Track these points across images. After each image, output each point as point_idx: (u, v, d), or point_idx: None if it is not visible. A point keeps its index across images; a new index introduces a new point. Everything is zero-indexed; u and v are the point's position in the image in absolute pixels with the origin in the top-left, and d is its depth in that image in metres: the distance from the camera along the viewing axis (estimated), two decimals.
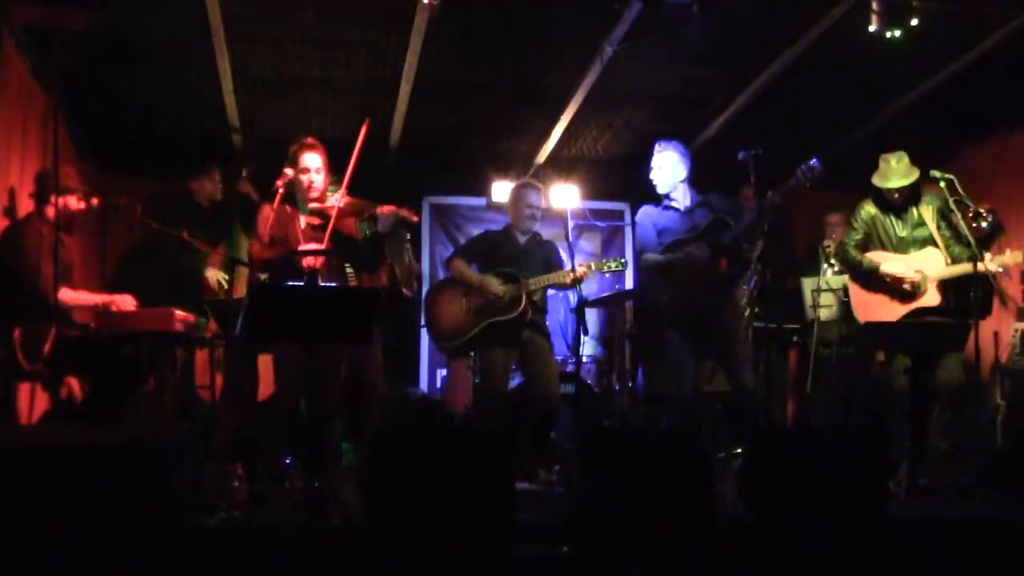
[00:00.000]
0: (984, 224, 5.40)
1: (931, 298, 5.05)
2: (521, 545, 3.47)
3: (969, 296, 5.01)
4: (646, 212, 5.24)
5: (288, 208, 4.62)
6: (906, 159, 5.15)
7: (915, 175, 5.13)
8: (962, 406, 5.15)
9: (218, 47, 5.46)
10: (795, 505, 3.48)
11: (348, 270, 4.75)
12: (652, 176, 5.19)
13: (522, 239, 5.55)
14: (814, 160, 4.67)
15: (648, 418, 6.14)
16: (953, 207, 5.00)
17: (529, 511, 4.16)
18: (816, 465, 3.55)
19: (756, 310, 5.76)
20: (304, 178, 4.62)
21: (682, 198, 5.15)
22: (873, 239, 5.27)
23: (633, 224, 5.40)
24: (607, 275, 5.75)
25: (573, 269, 5.20)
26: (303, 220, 4.63)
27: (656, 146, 5.21)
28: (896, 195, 5.17)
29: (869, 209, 5.27)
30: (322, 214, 4.59)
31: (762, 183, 4.79)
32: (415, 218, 4.73)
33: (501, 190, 7.49)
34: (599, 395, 6.60)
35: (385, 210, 4.58)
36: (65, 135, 5.67)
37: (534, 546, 3.52)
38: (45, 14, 4.59)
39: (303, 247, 4.51)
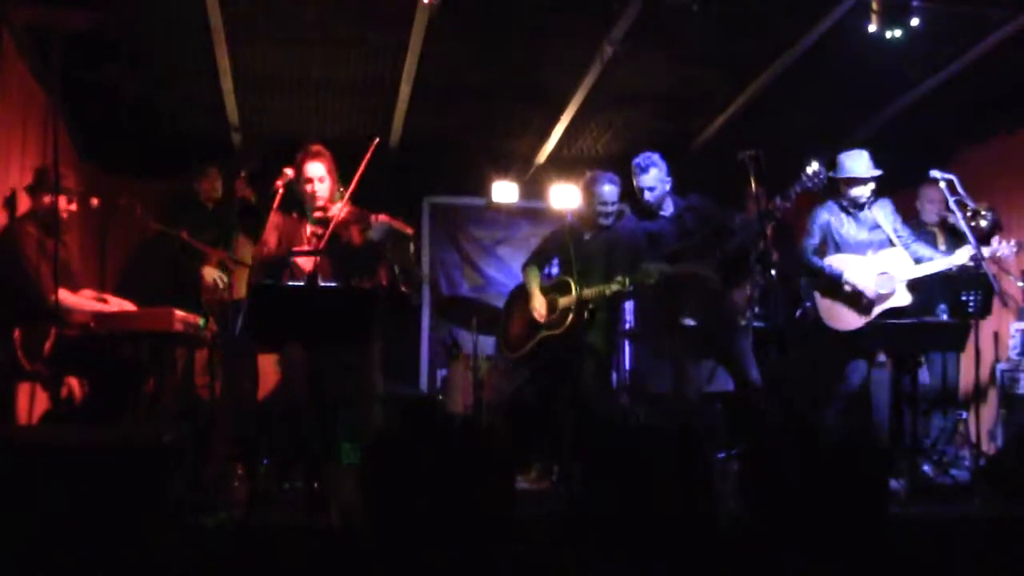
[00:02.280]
0: (983, 223, 5.41)
1: (901, 298, 5.04)
2: (521, 545, 3.47)
3: (963, 297, 5.02)
4: (635, 223, 5.23)
5: (295, 216, 4.70)
6: (867, 156, 5.16)
7: (876, 173, 5.14)
8: (940, 411, 5.18)
9: (218, 47, 5.46)
10: (795, 505, 3.48)
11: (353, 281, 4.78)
12: (646, 197, 5.13)
13: (588, 235, 5.23)
14: (817, 165, 4.67)
15: (648, 418, 6.14)
16: (953, 207, 5.00)
17: (529, 511, 4.17)
18: (816, 465, 3.54)
19: (756, 310, 5.76)
20: (308, 188, 4.66)
21: (667, 206, 5.16)
22: (828, 243, 5.26)
23: None
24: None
25: (620, 279, 4.88)
26: (309, 229, 4.68)
27: (639, 167, 5.12)
28: (856, 193, 5.16)
29: (824, 215, 5.27)
30: (326, 223, 4.62)
31: (762, 184, 4.80)
32: (409, 230, 4.73)
33: (501, 190, 7.50)
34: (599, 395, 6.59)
35: (379, 219, 4.61)
36: (65, 135, 5.68)
37: (534, 546, 3.52)
38: (45, 14, 4.59)
39: (296, 249, 4.57)
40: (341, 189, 4.72)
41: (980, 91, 6.11)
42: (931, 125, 6.52)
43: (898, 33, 4.99)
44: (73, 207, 4.78)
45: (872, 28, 4.98)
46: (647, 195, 5.12)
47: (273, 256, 4.65)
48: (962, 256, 4.90)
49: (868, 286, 5.05)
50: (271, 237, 4.67)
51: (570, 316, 5.04)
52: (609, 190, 5.16)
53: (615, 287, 4.86)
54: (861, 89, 6.25)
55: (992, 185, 6.28)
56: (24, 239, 4.58)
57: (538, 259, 5.48)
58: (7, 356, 4.36)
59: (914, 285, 5.04)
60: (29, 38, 5.07)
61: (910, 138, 5.41)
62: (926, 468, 5.08)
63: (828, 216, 5.25)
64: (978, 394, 5.55)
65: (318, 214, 4.67)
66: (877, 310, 5.06)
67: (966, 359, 5.63)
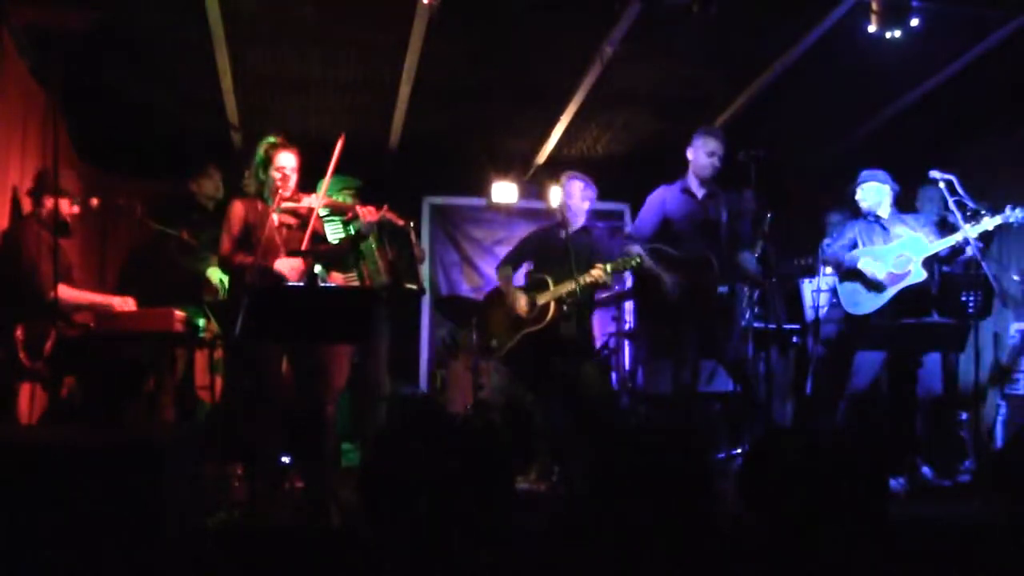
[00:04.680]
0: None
1: (916, 275, 5.06)
2: (521, 545, 3.47)
3: (964, 298, 5.03)
4: (661, 195, 5.23)
5: (260, 205, 4.54)
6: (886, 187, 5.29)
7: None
8: (940, 412, 5.19)
9: (218, 47, 5.46)
10: (795, 505, 3.48)
11: (318, 271, 4.71)
12: (711, 163, 5.14)
13: (567, 234, 5.28)
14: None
15: (648, 418, 6.15)
16: (953, 207, 5.01)
17: (529, 511, 4.18)
18: (816, 465, 3.55)
19: (756, 310, 5.76)
20: (279, 177, 4.52)
21: (702, 189, 5.20)
22: (859, 246, 5.31)
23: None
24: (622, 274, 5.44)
25: (589, 272, 5.00)
26: (276, 219, 4.57)
27: (710, 136, 5.20)
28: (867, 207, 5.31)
29: (858, 226, 5.34)
30: (296, 214, 4.56)
31: (762, 184, 4.81)
32: (400, 221, 4.70)
33: (501, 190, 7.50)
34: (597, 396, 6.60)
35: (364, 211, 4.57)
36: (65, 135, 5.67)
37: (534, 546, 3.52)
38: (45, 14, 4.59)
39: (287, 254, 4.44)
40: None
41: (980, 91, 6.11)
42: (931, 125, 6.52)
43: (898, 33, 4.99)
44: (75, 209, 4.78)
45: (872, 28, 4.98)
46: (708, 160, 5.14)
47: (254, 264, 4.47)
48: (971, 232, 4.90)
49: (880, 270, 5.11)
50: (235, 226, 4.50)
51: (551, 310, 5.14)
52: (582, 189, 5.37)
53: (594, 275, 4.95)
54: (861, 89, 6.25)
55: (992, 185, 6.28)
56: (28, 237, 4.58)
57: (513, 260, 5.57)
58: (8, 354, 4.36)
59: (931, 262, 5.09)
60: (29, 38, 5.06)
61: (910, 138, 5.40)
62: (925, 469, 5.08)
63: (859, 226, 5.34)
64: (978, 394, 5.55)
65: (287, 205, 4.57)
66: (894, 289, 5.08)
67: (966, 359, 5.63)
